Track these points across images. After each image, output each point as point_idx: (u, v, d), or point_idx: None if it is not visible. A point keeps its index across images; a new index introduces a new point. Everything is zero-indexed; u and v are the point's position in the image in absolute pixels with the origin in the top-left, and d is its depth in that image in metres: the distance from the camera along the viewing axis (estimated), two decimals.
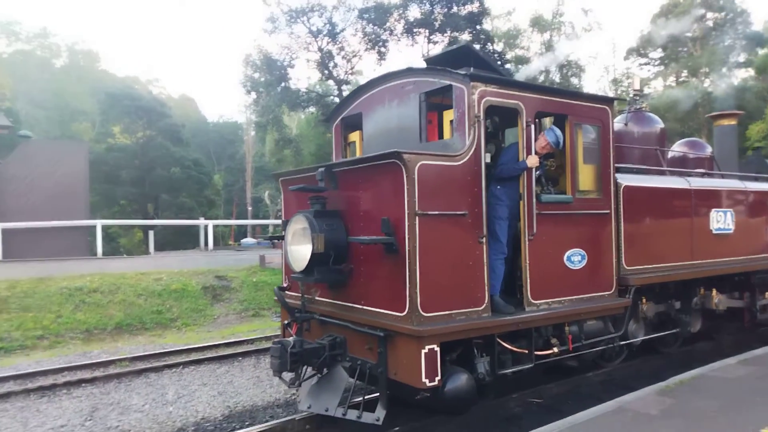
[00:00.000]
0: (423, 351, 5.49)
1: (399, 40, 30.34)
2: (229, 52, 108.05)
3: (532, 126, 6.42)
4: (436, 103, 6.74)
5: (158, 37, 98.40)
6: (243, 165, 57.26)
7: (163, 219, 38.17)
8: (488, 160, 6.86)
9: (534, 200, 6.39)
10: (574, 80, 42.76)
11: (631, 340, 7.87)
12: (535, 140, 6.55)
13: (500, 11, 47.18)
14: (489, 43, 31.44)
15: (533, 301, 6.41)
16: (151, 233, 28.89)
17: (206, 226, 29.31)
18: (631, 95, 9.95)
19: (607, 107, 7.19)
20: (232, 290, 17.19)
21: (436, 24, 29.57)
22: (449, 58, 7.18)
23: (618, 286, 7.23)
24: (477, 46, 29.24)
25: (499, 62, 30.06)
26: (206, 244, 28.84)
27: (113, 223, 33.91)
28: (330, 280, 6.32)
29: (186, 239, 38.67)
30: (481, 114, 6.03)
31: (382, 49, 29.62)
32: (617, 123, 9.42)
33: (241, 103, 60.26)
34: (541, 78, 40.12)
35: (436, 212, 5.66)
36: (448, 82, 6.25)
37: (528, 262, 6.37)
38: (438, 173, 5.72)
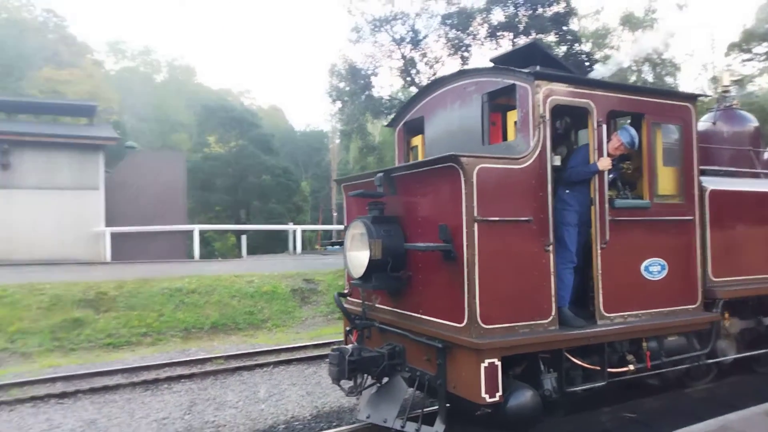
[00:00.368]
0: (482, 365, 5.14)
1: (482, 44, 29.78)
2: (316, 63, 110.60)
3: (604, 126, 5.94)
4: (500, 104, 6.38)
5: (249, 51, 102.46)
6: (328, 172, 58.10)
7: (254, 224, 39.29)
8: (558, 162, 6.43)
9: (606, 206, 5.89)
10: (669, 79, 40.50)
11: (721, 359, 7.13)
12: (608, 141, 6.06)
13: (588, 10, 45.30)
14: (576, 44, 30.32)
15: (606, 314, 5.91)
16: (243, 238, 29.70)
17: (294, 231, 29.90)
18: (719, 91, 9.11)
19: (689, 105, 6.56)
20: (319, 293, 17.42)
21: (521, 27, 28.83)
22: (515, 57, 6.81)
23: (704, 299, 6.57)
24: (564, 48, 28.36)
25: (587, 63, 28.97)
26: (294, 248, 29.40)
27: (209, 228, 35.20)
28: (388, 287, 6.09)
29: (275, 243, 39.56)
30: (547, 114, 5.63)
31: (465, 54, 29.20)
32: (704, 122, 8.69)
33: (327, 112, 61.27)
34: (632, 78, 38.23)
35: (497, 218, 5.31)
36: (511, 82, 5.88)
37: (600, 272, 5.88)
38: (499, 177, 5.37)
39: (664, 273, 6.27)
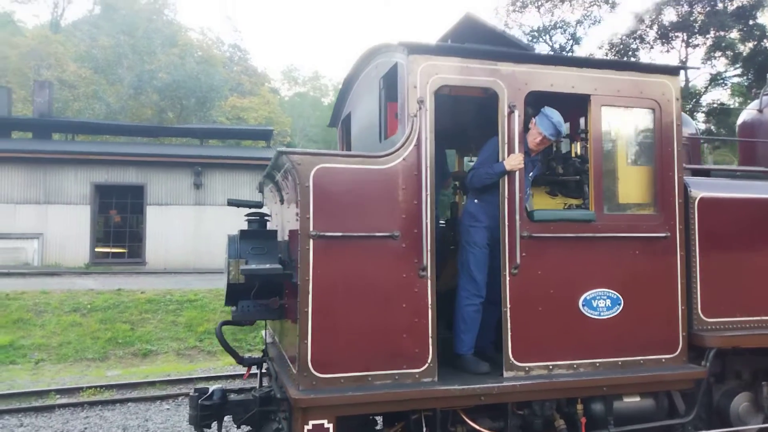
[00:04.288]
0: (306, 428, 3.87)
1: (651, 48, 27.42)
2: None
3: (516, 113, 4.38)
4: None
5: None
6: None
7: None
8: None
9: (517, 217, 4.33)
10: None
11: (742, 429, 5.09)
12: (526, 132, 4.54)
13: None
14: (766, 40, 26.64)
15: (517, 364, 4.32)
16: None
17: None
18: None
19: (666, 81, 4.74)
20: None
21: (696, 26, 25.99)
22: (453, 37, 5.39)
23: (688, 346, 4.70)
24: (750, 44, 25.15)
25: None
26: None
27: None
28: (251, 317, 4.94)
29: None
30: (428, 98, 4.23)
31: (632, 59, 27.04)
32: (749, 110, 6.58)
33: None
34: None
35: (342, 233, 4.01)
36: (395, 60, 4.54)
37: (509, 306, 4.33)
38: (350, 180, 4.07)
39: (617, 309, 4.52)
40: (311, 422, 3.85)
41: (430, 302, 4.14)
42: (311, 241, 3.95)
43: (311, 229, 3.95)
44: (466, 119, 5.94)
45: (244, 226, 5.07)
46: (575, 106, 4.96)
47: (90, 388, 9.65)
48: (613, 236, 4.55)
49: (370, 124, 5.29)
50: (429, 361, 4.13)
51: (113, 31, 34.22)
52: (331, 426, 3.87)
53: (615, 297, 4.52)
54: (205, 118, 34.90)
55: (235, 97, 39.18)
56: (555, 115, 4.45)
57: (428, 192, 4.14)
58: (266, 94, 43.35)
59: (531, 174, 4.63)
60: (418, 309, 4.12)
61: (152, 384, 10.01)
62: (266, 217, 5.17)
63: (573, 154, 5.28)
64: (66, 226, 21.21)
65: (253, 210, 5.20)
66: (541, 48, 28.58)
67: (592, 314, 4.48)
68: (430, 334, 4.13)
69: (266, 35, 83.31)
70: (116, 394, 9.57)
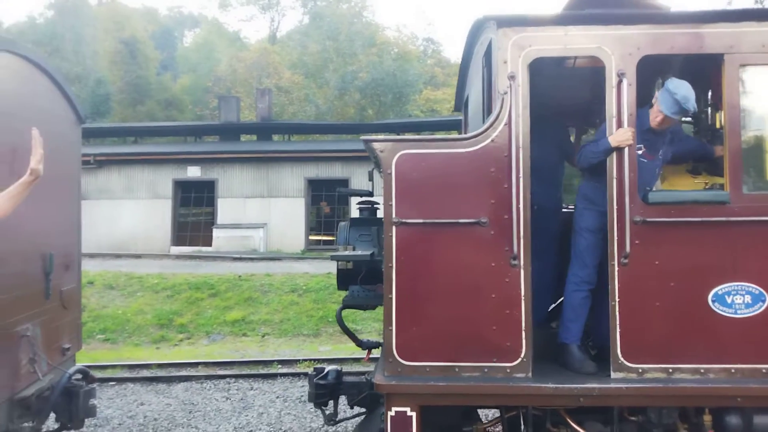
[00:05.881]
0: (389, 414, 3.76)
1: None
2: None
3: (624, 81, 3.76)
4: None
5: None
6: None
7: None
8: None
9: (627, 199, 3.73)
10: None
11: None
12: (649, 107, 3.89)
13: None
14: None
15: (628, 364, 3.74)
16: None
17: None
18: None
19: None
20: None
21: None
22: (574, 4, 4.79)
23: None
24: None
25: None
26: None
27: None
28: (359, 303, 4.94)
29: None
30: (520, 73, 3.82)
31: None
32: None
33: None
34: None
35: (423, 220, 3.81)
36: (490, 36, 4.17)
37: (618, 299, 3.76)
38: (433, 166, 3.85)
39: (760, 307, 3.68)
40: (394, 409, 3.74)
41: (523, 293, 3.76)
42: (394, 228, 3.81)
43: (393, 215, 3.81)
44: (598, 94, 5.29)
45: None
46: (715, 68, 4.13)
47: (305, 360, 10.55)
48: (756, 220, 3.71)
49: (479, 105, 4.96)
50: (522, 355, 3.75)
51: (320, 37, 36.81)
52: (414, 414, 3.71)
53: (757, 292, 3.69)
54: (401, 113, 36.15)
55: (429, 90, 39.78)
56: (681, 88, 3.71)
57: (521, 175, 3.74)
58: None
59: (660, 153, 3.97)
60: (510, 300, 3.77)
61: (357, 360, 10.45)
62: (376, 205, 5.12)
63: (718, 126, 4.41)
64: (285, 216, 23.49)
65: (365, 198, 5.16)
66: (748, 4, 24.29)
67: (726, 312, 3.71)
68: (523, 327, 3.75)
69: (457, 24, 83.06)
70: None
